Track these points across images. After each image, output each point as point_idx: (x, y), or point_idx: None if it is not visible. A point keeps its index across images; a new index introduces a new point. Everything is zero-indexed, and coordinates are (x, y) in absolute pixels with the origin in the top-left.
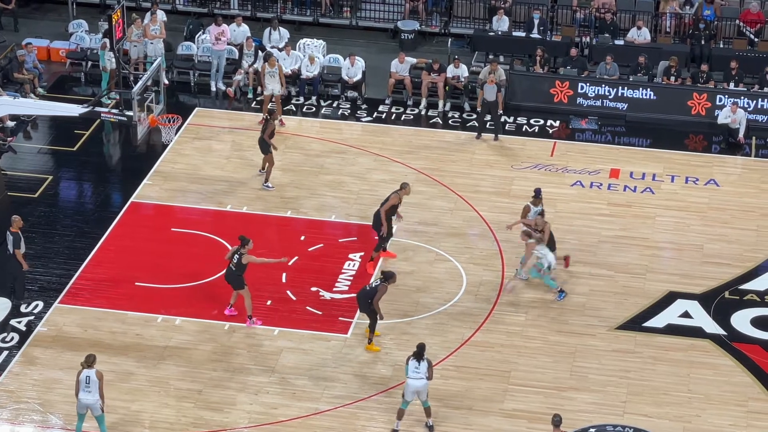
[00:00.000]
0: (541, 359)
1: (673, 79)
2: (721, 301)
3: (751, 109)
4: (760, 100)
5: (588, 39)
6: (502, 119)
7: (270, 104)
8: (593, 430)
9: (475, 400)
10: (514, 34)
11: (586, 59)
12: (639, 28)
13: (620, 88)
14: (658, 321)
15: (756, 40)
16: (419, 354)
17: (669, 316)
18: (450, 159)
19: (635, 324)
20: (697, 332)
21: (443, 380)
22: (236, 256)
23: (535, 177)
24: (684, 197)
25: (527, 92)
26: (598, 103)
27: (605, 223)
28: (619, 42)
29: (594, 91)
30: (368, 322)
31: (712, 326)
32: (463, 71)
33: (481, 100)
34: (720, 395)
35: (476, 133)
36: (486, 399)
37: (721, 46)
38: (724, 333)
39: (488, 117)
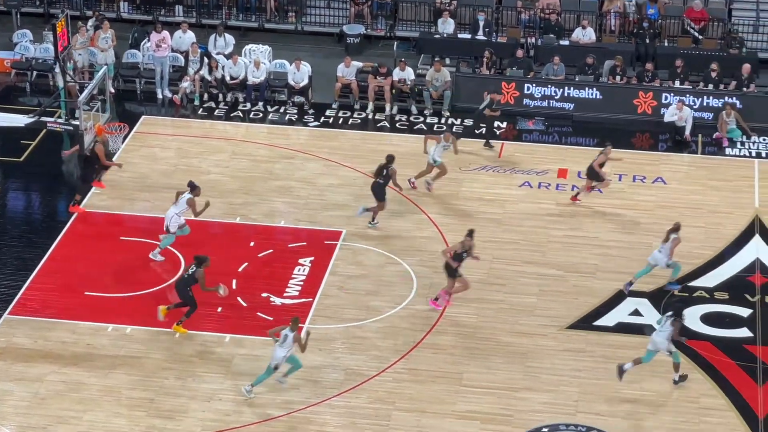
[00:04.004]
0: (493, 360)
1: (618, 78)
2: (671, 298)
3: (696, 106)
4: (705, 97)
5: (533, 40)
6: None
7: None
8: (546, 429)
9: (428, 402)
10: (460, 36)
11: (531, 60)
12: (584, 27)
13: (566, 88)
14: (608, 320)
15: (700, 37)
16: (677, 313)
17: (619, 314)
18: (398, 162)
19: (586, 323)
20: (647, 330)
21: (395, 383)
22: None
23: (484, 179)
24: (632, 196)
25: (474, 94)
26: (545, 103)
27: (554, 224)
28: (565, 42)
29: (540, 92)
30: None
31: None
32: (409, 74)
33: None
34: (671, 392)
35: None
36: (439, 401)
37: (666, 44)
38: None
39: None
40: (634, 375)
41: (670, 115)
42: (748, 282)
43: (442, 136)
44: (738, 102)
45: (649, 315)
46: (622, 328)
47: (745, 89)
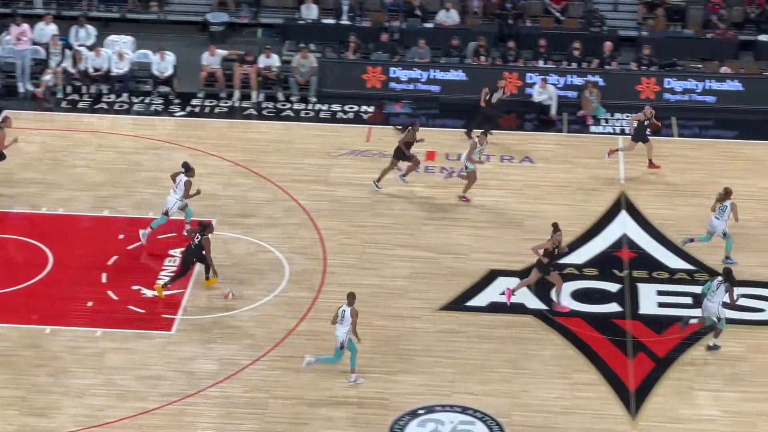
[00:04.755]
0: (367, 344)
1: (483, 59)
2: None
3: (561, 85)
4: (569, 76)
5: (398, 23)
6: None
7: None
8: (422, 411)
9: (304, 389)
10: (324, 21)
11: (396, 44)
12: (447, 10)
13: (432, 70)
14: (480, 300)
15: (562, 17)
16: (728, 277)
17: (491, 294)
18: (266, 150)
19: (459, 304)
20: (519, 308)
21: (271, 371)
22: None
23: (352, 164)
24: (500, 176)
25: (340, 79)
26: (411, 86)
27: (424, 206)
28: (429, 25)
29: (406, 75)
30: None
31: (533, 302)
32: (274, 61)
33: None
34: (545, 369)
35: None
36: (314, 387)
37: (529, 24)
38: (546, 308)
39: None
40: (508, 354)
41: (536, 94)
42: (616, 257)
43: (476, 139)
44: (600, 80)
45: (522, 294)
46: (494, 307)
47: (607, 67)
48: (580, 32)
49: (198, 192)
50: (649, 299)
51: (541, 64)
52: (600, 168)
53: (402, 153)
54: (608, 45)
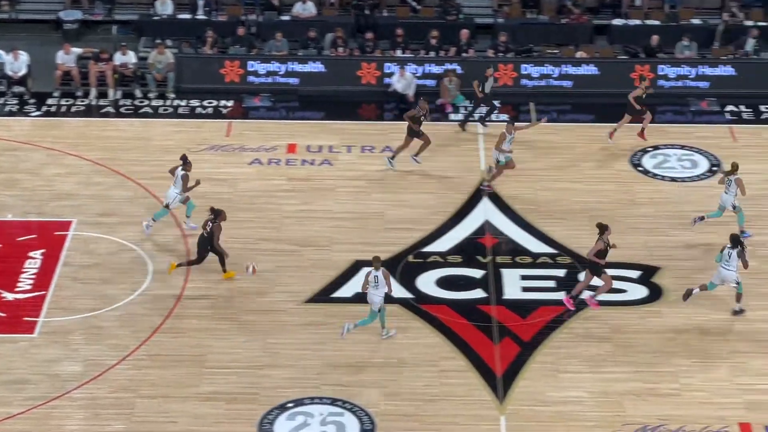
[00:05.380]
0: (233, 340)
1: (341, 50)
2: (406, 265)
3: (419, 74)
4: (427, 65)
5: (255, 17)
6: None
7: None
8: (291, 404)
9: (171, 387)
10: (179, 16)
11: (254, 37)
12: (304, 2)
13: (290, 63)
14: (346, 291)
15: (418, 7)
16: (735, 243)
17: (357, 284)
18: (125, 147)
19: (324, 296)
20: (385, 298)
21: (137, 371)
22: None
23: (213, 158)
24: (362, 167)
25: (198, 74)
26: (270, 79)
27: (287, 199)
28: (286, 17)
29: (264, 69)
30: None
31: (399, 291)
32: (130, 58)
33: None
34: (412, 357)
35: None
36: (182, 385)
37: (386, 14)
38: (412, 296)
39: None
40: (376, 343)
41: (393, 83)
42: (479, 244)
43: (505, 130)
44: (459, 68)
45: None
46: (360, 297)
47: (464, 54)
48: (436, 21)
49: (197, 183)
50: (513, 284)
51: (398, 53)
52: (461, 155)
53: (413, 131)
54: (465, 33)
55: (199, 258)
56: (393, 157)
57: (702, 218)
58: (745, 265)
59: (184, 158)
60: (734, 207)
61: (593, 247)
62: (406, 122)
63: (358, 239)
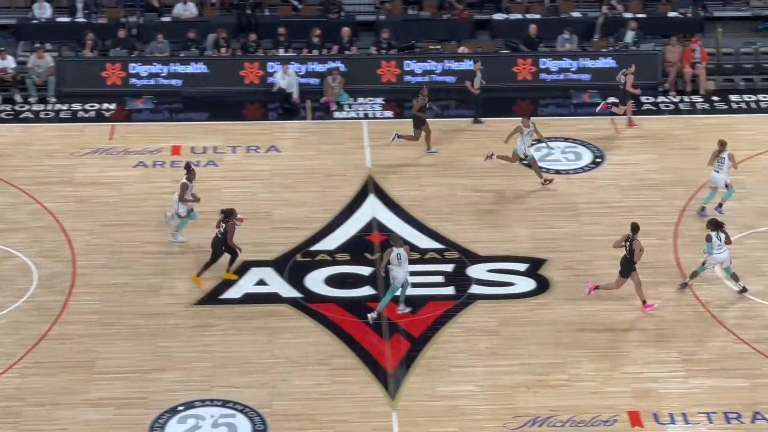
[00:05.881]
0: (122, 344)
1: (223, 50)
2: (294, 264)
3: (303, 73)
4: (310, 63)
5: (135, 18)
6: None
7: None
8: (182, 408)
9: (59, 394)
10: (59, 19)
11: (135, 39)
12: (185, 2)
13: (172, 64)
14: (234, 292)
15: (300, 5)
16: (717, 226)
17: (245, 285)
18: (6, 153)
19: (213, 297)
20: (274, 298)
21: (23, 378)
22: None
23: (98, 162)
24: (247, 167)
25: (79, 77)
26: (152, 81)
27: (171, 201)
28: (167, 19)
29: (146, 71)
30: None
31: (287, 290)
32: (9, 63)
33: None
34: (303, 357)
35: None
36: (70, 392)
37: (267, 13)
38: (300, 295)
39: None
40: (266, 344)
41: (278, 82)
42: (367, 241)
43: (521, 123)
44: (342, 65)
45: (275, 284)
46: (249, 298)
47: (347, 52)
48: (318, 19)
49: (197, 199)
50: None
51: (281, 52)
52: (346, 153)
53: (419, 120)
54: (346, 30)
55: (214, 258)
56: (429, 148)
57: (703, 208)
58: (729, 242)
59: (187, 166)
60: (727, 185)
61: (634, 249)
62: (412, 119)
63: (245, 240)
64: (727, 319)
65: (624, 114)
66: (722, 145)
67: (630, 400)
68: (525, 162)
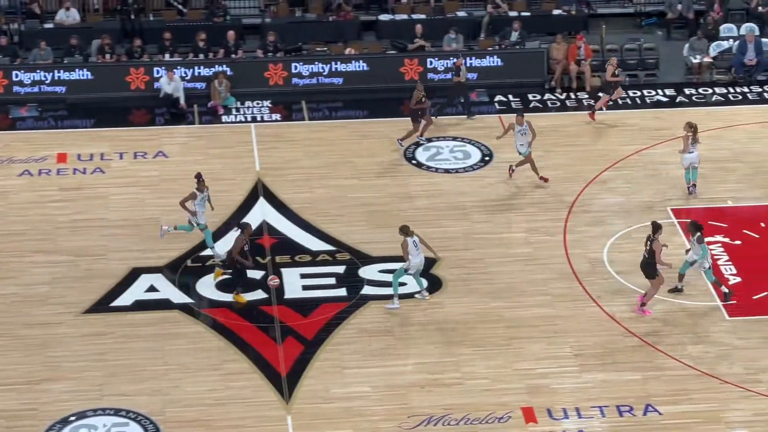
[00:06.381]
0: (10, 356)
1: (108, 56)
2: (185, 270)
3: (189, 77)
4: (196, 67)
5: (16, 26)
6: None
7: None
8: (73, 418)
9: None
10: None
11: (17, 46)
12: (67, 9)
13: (56, 71)
14: (125, 299)
15: (184, 9)
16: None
17: (135, 292)
18: None
19: (103, 305)
20: (165, 304)
21: None
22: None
23: None
24: (135, 173)
25: None
26: (36, 89)
27: (59, 209)
28: (49, 25)
29: (30, 78)
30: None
31: (179, 296)
32: None
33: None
34: (196, 362)
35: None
36: None
37: (152, 18)
38: (192, 301)
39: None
40: (158, 351)
41: (164, 86)
42: (258, 245)
43: (515, 121)
44: (228, 69)
45: (166, 290)
46: (139, 305)
47: (233, 56)
48: (204, 23)
49: (193, 212)
50: (294, 283)
51: (167, 57)
52: (235, 157)
53: (416, 113)
54: (232, 34)
55: (238, 273)
56: (425, 138)
57: (694, 186)
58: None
59: (198, 176)
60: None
61: (654, 250)
62: (410, 115)
63: (134, 246)
64: (617, 313)
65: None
66: (692, 127)
67: (523, 396)
68: (520, 165)
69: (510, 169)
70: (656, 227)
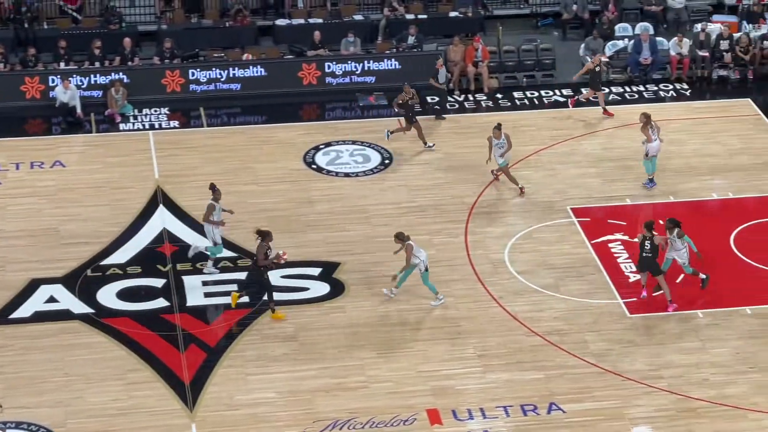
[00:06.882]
0: None
1: (2, 66)
2: (85, 279)
3: (85, 86)
4: (92, 75)
5: None
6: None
7: None
8: None
9: None
10: None
11: None
12: None
13: None
14: (24, 311)
15: (79, 17)
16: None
17: (34, 303)
18: None
19: (2, 318)
20: (65, 315)
21: None
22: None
23: None
24: (32, 183)
25: None
26: None
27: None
28: None
29: None
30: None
31: (79, 306)
32: None
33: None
34: (98, 373)
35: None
36: None
37: (46, 27)
38: (93, 311)
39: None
40: (58, 362)
41: (60, 95)
42: (159, 253)
43: (492, 135)
44: (125, 77)
45: (66, 300)
46: (39, 316)
47: (130, 63)
48: (99, 31)
49: (222, 222)
50: (196, 291)
51: (62, 66)
52: (134, 165)
53: (411, 113)
54: (128, 41)
55: (265, 286)
56: (426, 143)
57: (651, 180)
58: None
59: (212, 187)
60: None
61: (657, 246)
62: (404, 116)
63: (33, 257)
64: (519, 312)
65: (588, 99)
66: (648, 117)
67: (428, 398)
68: (499, 173)
69: (493, 173)
70: (649, 226)
